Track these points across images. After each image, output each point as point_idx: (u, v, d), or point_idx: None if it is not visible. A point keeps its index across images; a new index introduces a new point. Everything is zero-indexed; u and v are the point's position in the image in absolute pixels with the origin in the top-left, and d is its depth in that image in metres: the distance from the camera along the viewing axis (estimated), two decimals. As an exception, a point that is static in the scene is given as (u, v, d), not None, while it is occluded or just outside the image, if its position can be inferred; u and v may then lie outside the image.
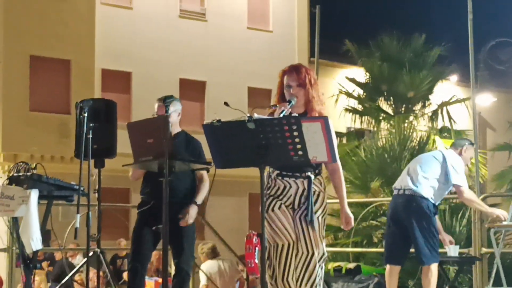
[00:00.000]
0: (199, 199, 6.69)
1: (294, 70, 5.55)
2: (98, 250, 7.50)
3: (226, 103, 5.02)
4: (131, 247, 6.63)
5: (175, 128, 6.75)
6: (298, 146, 4.75)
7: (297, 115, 5.14)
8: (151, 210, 6.56)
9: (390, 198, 8.45)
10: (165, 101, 6.39)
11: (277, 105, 5.43)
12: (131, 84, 26.49)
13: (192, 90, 27.38)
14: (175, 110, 6.66)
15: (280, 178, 5.53)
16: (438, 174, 7.98)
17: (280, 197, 5.55)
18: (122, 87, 26.24)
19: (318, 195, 5.60)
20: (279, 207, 5.54)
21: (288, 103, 5.41)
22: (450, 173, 7.92)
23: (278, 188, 5.55)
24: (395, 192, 8.12)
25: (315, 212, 5.52)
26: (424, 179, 7.96)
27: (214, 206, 24.39)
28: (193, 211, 6.62)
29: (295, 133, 4.72)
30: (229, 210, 27.51)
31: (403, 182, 8.06)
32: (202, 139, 5.47)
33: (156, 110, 6.55)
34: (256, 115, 4.78)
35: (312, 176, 5.52)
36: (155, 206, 6.40)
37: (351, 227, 5.69)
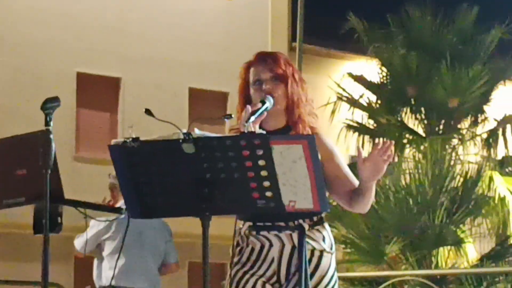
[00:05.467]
0: None
1: (267, 57, 3.81)
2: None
3: (148, 111, 3.42)
4: None
5: None
6: (266, 184, 3.26)
7: (264, 132, 3.39)
8: None
9: (416, 271, 6.34)
10: None
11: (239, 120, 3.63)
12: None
13: (98, 91, 18.90)
14: None
15: (254, 233, 3.71)
16: None
17: (255, 268, 3.70)
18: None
19: (320, 258, 3.68)
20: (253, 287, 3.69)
21: (261, 104, 3.63)
22: None
23: (252, 251, 3.72)
24: None
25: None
26: None
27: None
28: None
29: (261, 162, 3.23)
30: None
31: None
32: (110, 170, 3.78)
33: None
34: (197, 131, 3.29)
35: (306, 226, 3.67)
36: None
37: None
